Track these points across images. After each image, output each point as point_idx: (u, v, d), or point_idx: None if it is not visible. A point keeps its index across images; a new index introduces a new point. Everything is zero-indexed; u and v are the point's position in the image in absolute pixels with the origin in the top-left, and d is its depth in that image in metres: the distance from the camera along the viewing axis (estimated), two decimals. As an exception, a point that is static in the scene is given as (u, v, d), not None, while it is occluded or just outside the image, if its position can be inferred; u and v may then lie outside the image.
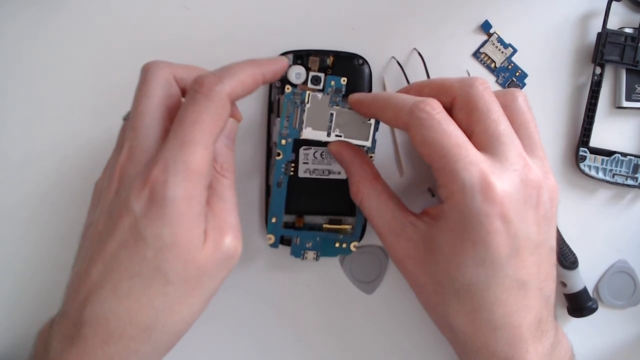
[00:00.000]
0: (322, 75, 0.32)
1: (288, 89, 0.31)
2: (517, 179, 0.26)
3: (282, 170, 0.32)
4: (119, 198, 0.25)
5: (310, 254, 0.33)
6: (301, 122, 0.31)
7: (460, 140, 0.26)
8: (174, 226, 0.24)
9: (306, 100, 0.31)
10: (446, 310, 0.27)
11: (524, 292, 0.27)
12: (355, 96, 0.31)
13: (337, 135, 0.32)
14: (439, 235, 0.27)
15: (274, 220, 0.33)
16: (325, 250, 0.34)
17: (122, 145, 0.26)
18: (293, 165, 0.33)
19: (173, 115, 0.26)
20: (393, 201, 0.30)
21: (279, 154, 0.32)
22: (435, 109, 0.26)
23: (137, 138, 0.25)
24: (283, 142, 0.32)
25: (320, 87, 0.32)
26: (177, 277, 0.24)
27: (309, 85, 0.32)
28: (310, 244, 0.33)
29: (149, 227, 0.23)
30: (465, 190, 0.25)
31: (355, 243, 0.34)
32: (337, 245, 0.33)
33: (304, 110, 0.31)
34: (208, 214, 0.25)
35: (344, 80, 0.32)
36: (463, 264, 0.26)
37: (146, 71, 0.27)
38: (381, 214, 0.30)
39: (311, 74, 0.32)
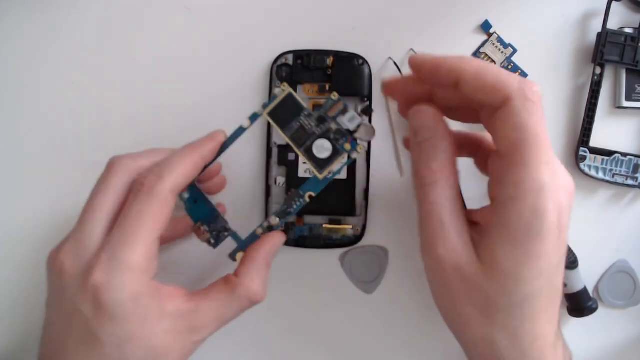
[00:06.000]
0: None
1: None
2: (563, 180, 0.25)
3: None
4: (68, 297, 0.25)
5: None
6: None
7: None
8: (126, 324, 0.24)
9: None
10: (489, 327, 0.25)
11: (557, 298, 0.26)
12: (422, 58, 0.26)
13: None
14: (496, 246, 0.25)
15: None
16: None
17: (69, 235, 0.27)
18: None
19: None
20: (461, 196, 0.26)
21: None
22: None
23: (82, 231, 0.26)
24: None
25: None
26: None
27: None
28: None
29: (100, 328, 0.24)
30: (543, 189, 0.23)
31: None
32: None
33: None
34: (194, 311, 0.26)
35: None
36: (524, 278, 0.24)
37: (110, 167, 0.27)
38: (451, 205, 0.26)
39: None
